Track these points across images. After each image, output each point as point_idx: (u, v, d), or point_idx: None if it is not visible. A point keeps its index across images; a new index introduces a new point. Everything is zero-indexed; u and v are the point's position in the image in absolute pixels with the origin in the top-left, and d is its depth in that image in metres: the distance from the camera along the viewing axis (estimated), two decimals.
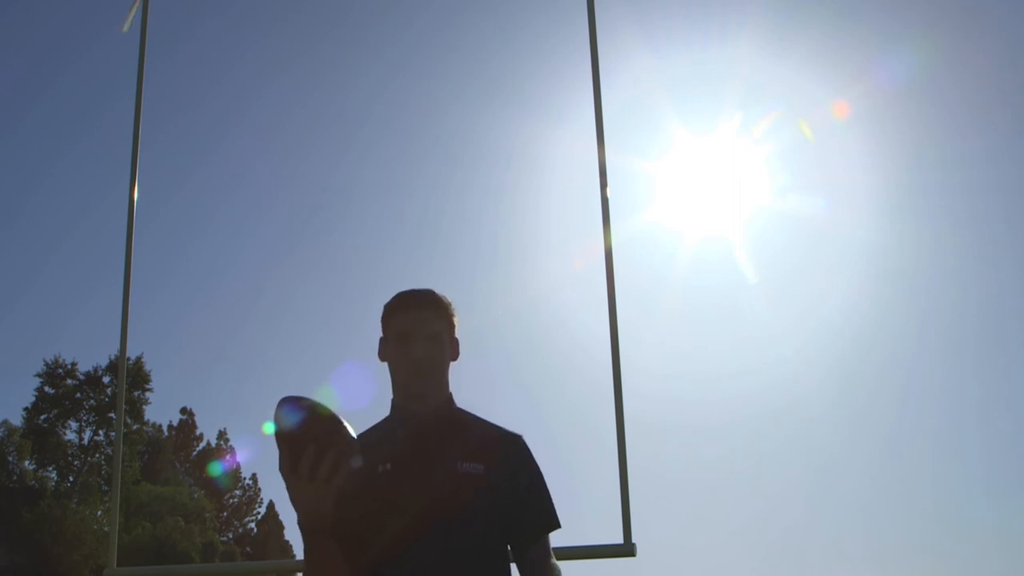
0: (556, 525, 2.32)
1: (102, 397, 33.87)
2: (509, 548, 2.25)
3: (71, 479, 33.27)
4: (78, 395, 33.95)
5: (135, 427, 33.63)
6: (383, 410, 2.35)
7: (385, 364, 2.39)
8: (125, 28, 5.97)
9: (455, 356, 2.40)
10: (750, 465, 51.95)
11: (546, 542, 2.27)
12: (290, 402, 1.84)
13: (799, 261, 55.83)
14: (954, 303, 52.48)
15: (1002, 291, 49.91)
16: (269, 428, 1.77)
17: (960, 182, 40.66)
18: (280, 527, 43.01)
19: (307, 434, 1.82)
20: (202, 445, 44.83)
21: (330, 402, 1.57)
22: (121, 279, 5.55)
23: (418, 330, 2.29)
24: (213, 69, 55.33)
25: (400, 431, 2.30)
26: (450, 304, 2.40)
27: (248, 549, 41.90)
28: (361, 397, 2.46)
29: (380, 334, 2.41)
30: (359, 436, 2.24)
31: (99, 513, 31.68)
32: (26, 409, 33.42)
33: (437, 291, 2.41)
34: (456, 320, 2.40)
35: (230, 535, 43.21)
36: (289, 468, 1.85)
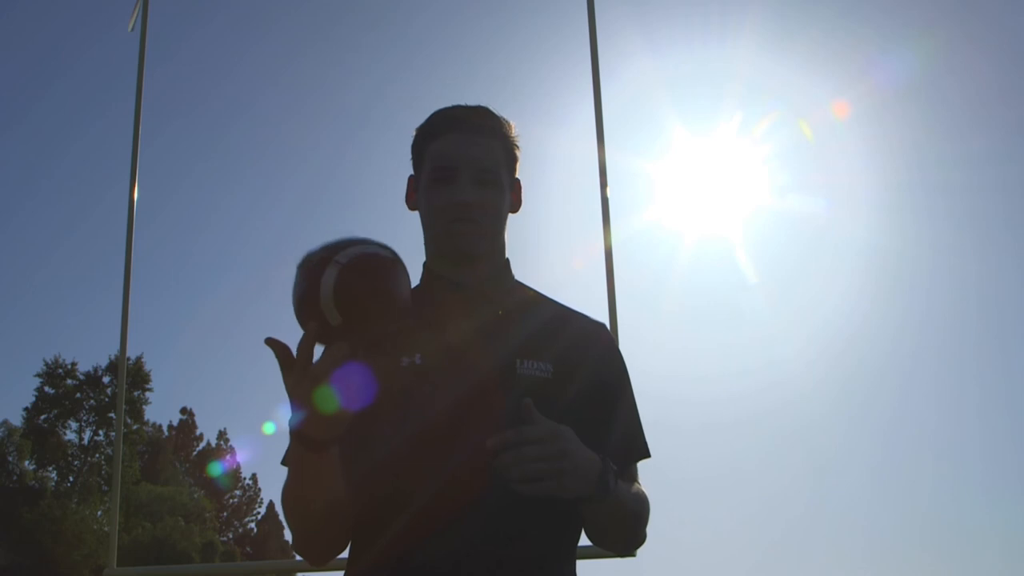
0: (646, 454, 1.70)
1: (102, 397, 33.85)
2: None
3: (71, 479, 33.24)
4: (78, 395, 33.92)
5: (135, 427, 33.60)
6: None
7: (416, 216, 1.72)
8: (130, 27, 5.99)
9: (516, 207, 1.73)
10: (750, 465, 52.00)
11: (634, 472, 1.68)
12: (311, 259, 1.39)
13: (799, 261, 55.98)
14: (954, 303, 52.55)
15: (1002, 291, 49.96)
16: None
17: (960, 182, 40.74)
18: (280, 527, 42.96)
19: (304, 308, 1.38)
20: (202, 445, 44.81)
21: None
22: (121, 279, 5.53)
23: (467, 162, 1.62)
24: (213, 69, 55.48)
25: (432, 309, 1.64)
26: (514, 129, 1.71)
27: (248, 549, 41.91)
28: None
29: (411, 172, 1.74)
30: None
31: (99, 513, 31.66)
32: (26, 409, 33.45)
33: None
34: (519, 154, 1.72)
35: (230, 535, 43.22)
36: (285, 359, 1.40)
